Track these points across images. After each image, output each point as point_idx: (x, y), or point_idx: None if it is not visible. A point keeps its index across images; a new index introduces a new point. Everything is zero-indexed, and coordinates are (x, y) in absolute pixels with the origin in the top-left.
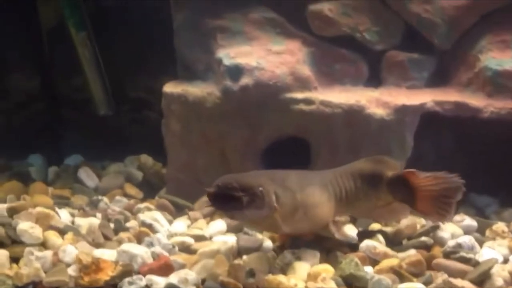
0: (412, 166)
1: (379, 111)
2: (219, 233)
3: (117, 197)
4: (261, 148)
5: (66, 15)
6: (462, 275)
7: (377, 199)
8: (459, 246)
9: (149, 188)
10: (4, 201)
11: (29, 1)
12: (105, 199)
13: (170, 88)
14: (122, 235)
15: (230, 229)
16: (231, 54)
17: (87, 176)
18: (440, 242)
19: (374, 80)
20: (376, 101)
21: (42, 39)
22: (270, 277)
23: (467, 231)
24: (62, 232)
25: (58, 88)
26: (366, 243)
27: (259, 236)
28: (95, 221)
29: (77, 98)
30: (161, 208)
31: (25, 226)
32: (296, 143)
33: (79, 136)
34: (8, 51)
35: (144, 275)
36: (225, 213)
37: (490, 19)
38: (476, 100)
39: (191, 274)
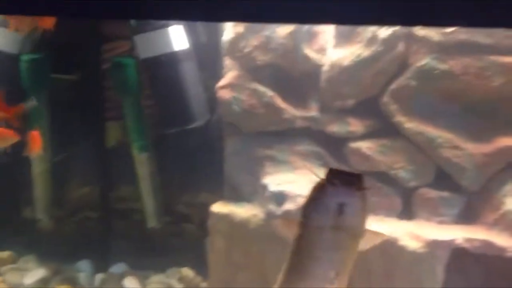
0: None
1: (412, 244)
2: None
3: None
4: None
5: (133, 139)
6: None
7: None
8: None
9: None
10: None
11: (99, 121)
12: None
13: (217, 208)
14: None
15: None
16: (277, 181)
17: (131, 284)
18: None
19: (406, 213)
20: (409, 234)
21: (103, 155)
22: None
23: None
24: None
25: (110, 199)
26: None
27: None
28: None
29: (126, 209)
30: None
31: None
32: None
33: (124, 245)
34: (72, 161)
35: None
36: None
37: None
38: (502, 240)
39: None
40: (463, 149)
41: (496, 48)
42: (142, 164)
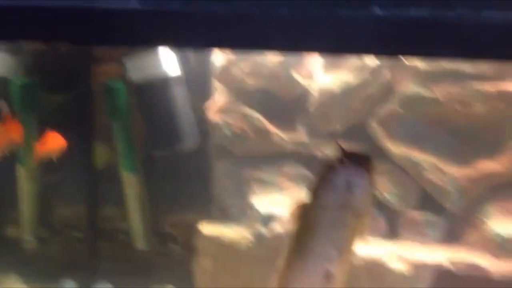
0: None
1: (398, 265)
2: None
3: None
4: None
5: (122, 160)
6: None
7: None
8: None
9: None
10: None
11: (88, 142)
12: None
13: (205, 229)
14: None
15: None
16: (265, 202)
17: None
18: None
19: (391, 234)
20: (395, 255)
21: (91, 176)
22: None
23: None
24: None
25: (96, 219)
26: None
27: None
28: None
29: (113, 230)
30: None
31: None
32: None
33: (110, 265)
34: (60, 182)
35: None
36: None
37: (497, 189)
38: (485, 261)
39: None
40: (446, 173)
41: (480, 76)
42: (131, 185)
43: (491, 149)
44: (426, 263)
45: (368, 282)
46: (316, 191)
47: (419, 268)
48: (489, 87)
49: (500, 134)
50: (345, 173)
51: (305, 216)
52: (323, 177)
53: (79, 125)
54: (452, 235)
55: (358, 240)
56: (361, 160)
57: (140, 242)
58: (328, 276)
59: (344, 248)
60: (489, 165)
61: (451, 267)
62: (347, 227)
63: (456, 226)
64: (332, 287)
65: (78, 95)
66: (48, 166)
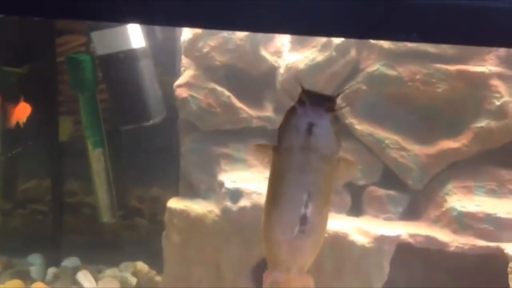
0: None
1: (360, 239)
2: None
3: None
4: (253, 264)
5: (87, 134)
6: None
7: None
8: None
9: None
10: None
11: (52, 115)
12: None
13: (173, 203)
14: None
15: None
16: (233, 178)
17: (85, 279)
18: None
19: (355, 210)
20: (358, 229)
21: (55, 149)
22: None
23: None
24: None
25: (61, 193)
26: None
27: None
28: None
29: (78, 203)
30: None
31: None
32: None
33: (77, 240)
34: (23, 155)
35: None
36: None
37: (457, 167)
38: (443, 235)
39: None
40: (409, 151)
41: (441, 56)
42: (96, 159)
43: (451, 128)
44: (387, 236)
45: (332, 255)
46: (280, 133)
47: (381, 242)
48: (451, 67)
49: (460, 114)
50: (305, 114)
51: (275, 159)
52: (285, 119)
53: (43, 98)
54: (413, 210)
55: (336, 183)
56: (322, 100)
57: (106, 216)
58: (303, 220)
59: (316, 192)
60: (449, 144)
61: (410, 240)
62: (314, 169)
63: (417, 202)
64: (309, 231)
65: (42, 67)
66: (12, 138)
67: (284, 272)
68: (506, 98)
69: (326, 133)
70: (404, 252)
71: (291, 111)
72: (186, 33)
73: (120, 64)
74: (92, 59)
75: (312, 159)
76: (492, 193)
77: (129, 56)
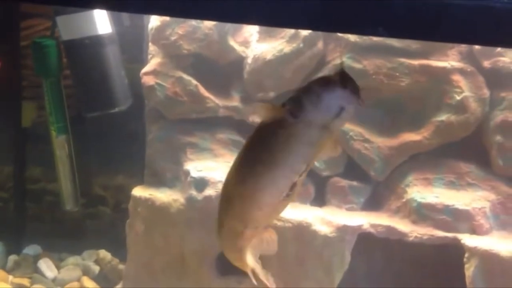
0: (347, 279)
1: (323, 229)
2: None
3: None
4: (217, 253)
5: (51, 120)
6: None
7: None
8: None
9: (106, 282)
10: None
11: (16, 101)
12: None
13: (138, 192)
14: None
15: None
16: (198, 167)
17: (46, 267)
18: None
19: (319, 200)
20: (321, 219)
21: (18, 135)
22: None
23: None
24: None
25: (23, 180)
26: None
27: None
28: None
29: (40, 191)
30: None
31: None
32: None
33: (39, 227)
34: None
35: None
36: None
37: (417, 159)
38: (403, 226)
39: None
40: (372, 142)
41: (406, 51)
42: (60, 146)
43: (413, 121)
44: (349, 226)
45: (295, 244)
46: (306, 104)
47: (343, 231)
48: (414, 61)
49: (422, 108)
50: (341, 97)
51: (281, 125)
52: (318, 94)
53: (6, 82)
54: (375, 201)
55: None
56: (357, 88)
57: (68, 203)
58: (292, 186)
59: (311, 162)
60: (411, 136)
61: (371, 230)
62: (321, 145)
63: (379, 193)
64: (291, 196)
65: (5, 51)
66: None
67: (252, 230)
68: (466, 93)
69: (348, 118)
70: (365, 241)
71: (329, 88)
72: (154, 21)
73: (85, 50)
74: (57, 44)
75: (322, 135)
76: (451, 185)
77: (95, 42)
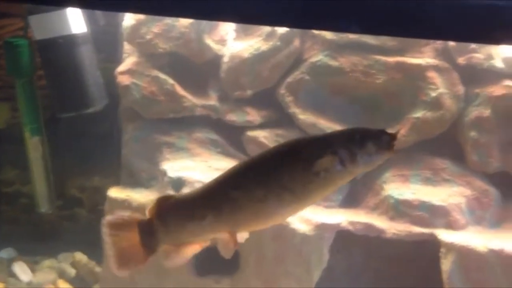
0: (326, 276)
1: (302, 227)
2: None
3: None
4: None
5: (25, 122)
6: None
7: None
8: None
9: (82, 285)
10: None
11: None
12: None
13: (114, 193)
14: None
15: None
16: (175, 167)
17: (21, 270)
18: None
19: None
20: (300, 218)
21: None
22: None
23: None
24: None
25: None
26: None
27: None
28: None
29: (14, 193)
30: None
31: None
32: None
33: (13, 230)
34: None
35: None
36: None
37: (394, 157)
38: (381, 222)
39: None
40: None
41: (381, 48)
42: (34, 147)
43: (390, 118)
44: (328, 224)
45: (273, 243)
46: (355, 157)
47: (321, 229)
48: (390, 58)
49: (398, 105)
50: (388, 157)
51: (326, 173)
52: (368, 151)
53: None
54: (353, 198)
55: None
56: (387, 140)
57: (43, 206)
58: None
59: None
60: None
61: (350, 227)
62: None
63: (357, 190)
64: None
65: None
66: None
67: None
68: (441, 90)
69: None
70: (344, 239)
71: (381, 153)
72: (129, 19)
73: (59, 49)
74: (30, 44)
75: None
76: (427, 181)
77: (69, 41)
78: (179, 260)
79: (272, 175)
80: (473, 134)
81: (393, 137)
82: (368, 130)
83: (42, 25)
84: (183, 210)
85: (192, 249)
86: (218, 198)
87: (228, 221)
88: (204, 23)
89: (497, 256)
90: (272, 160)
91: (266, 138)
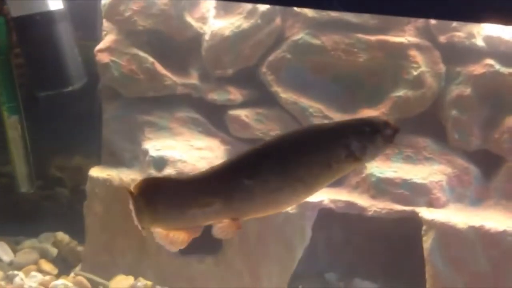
0: (308, 254)
1: None
2: None
3: (33, 273)
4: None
5: (2, 100)
6: None
7: None
8: None
9: (64, 265)
10: None
11: None
12: (21, 274)
13: (96, 172)
14: None
15: None
16: (157, 146)
17: (2, 250)
18: None
19: None
20: None
21: None
22: None
23: None
24: None
25: None
26: None
27: None
28: None
29: None
30: (78, 285)
31: None
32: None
33: None
34: None
35: None
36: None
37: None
38: (362, 201)
39: None
40: (331, 119)
41: (363, 26)
42: (12, 126)
43: (372, 97)
44: (310, 202)
45: (256, 222)
46: (365, 150)
47: (303, 207)
48: (372, 37)
49: (380, 83)
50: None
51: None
52: (378, 145)
53: None
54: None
55: None
56: (392, 131)
57: (23, 186)
58: None
59: None
60: (369, 112)
61: (331, 205)
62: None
63: None
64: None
65: None
66: None
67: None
68: (423, 68)
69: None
70: (326, 217)
71: (387, 144)
72: None
73: (36, 26)
74: (6, 21)
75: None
76: (409, 159)
77: (46, 18)
78: (176, 246)
79: (288, 168)
80: (454, 112)
81: (396, 130)
82: (376, 122)
83: (18, 2)
84: (180, 195)
85: (190, 235)
86: (229, 186)
87: (237, 209)
88: (184, 0)
89: (477, 233)
90: (288, 152)
91: (248, 117)
